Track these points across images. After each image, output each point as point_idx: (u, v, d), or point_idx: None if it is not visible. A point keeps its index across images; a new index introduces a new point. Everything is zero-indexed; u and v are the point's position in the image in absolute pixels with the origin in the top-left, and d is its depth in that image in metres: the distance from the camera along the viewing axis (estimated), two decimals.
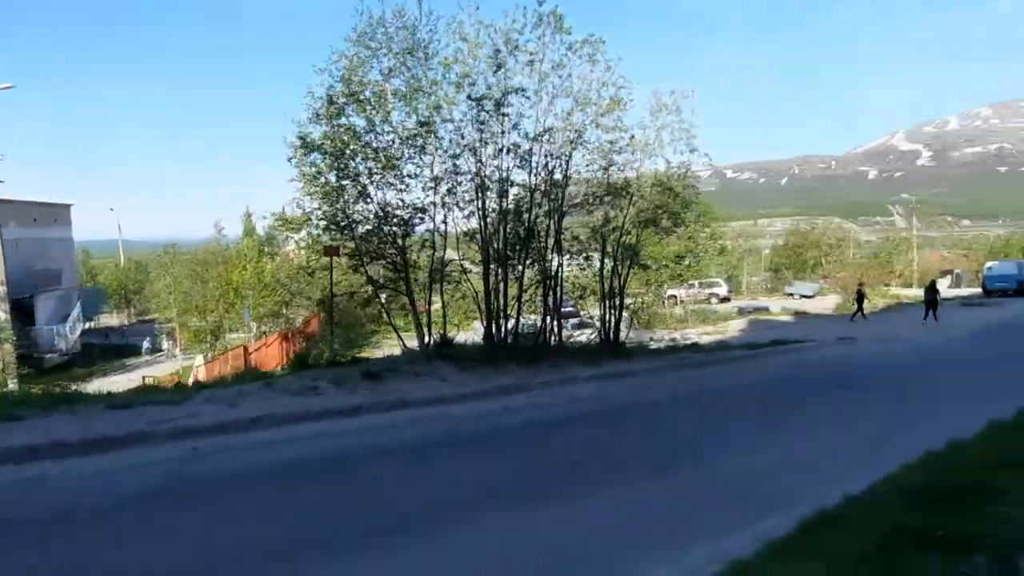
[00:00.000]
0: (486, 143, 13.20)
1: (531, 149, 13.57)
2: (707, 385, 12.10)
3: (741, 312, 35.41)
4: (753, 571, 3.86)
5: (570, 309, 39.89)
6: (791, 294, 46.59)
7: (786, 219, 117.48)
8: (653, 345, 17.75)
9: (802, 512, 4.76)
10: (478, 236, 13.84)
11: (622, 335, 16.37)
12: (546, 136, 13.52)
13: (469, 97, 12.86)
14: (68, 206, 43.49)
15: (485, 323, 13.53)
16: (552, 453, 7.46)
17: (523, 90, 13.05)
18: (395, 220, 13.34)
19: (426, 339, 13.39)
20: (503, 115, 12.92)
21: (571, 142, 13.92)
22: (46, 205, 40.58)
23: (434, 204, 13.52)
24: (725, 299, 45.46)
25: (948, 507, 4.59)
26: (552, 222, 14.46)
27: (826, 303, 38.99)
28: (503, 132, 13.15)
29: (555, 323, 14.97)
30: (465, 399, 9.87)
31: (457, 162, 13.32)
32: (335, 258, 13.34)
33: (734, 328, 27.53)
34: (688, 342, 19.21)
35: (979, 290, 40.20)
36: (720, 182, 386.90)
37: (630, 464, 6.89)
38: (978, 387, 11.62)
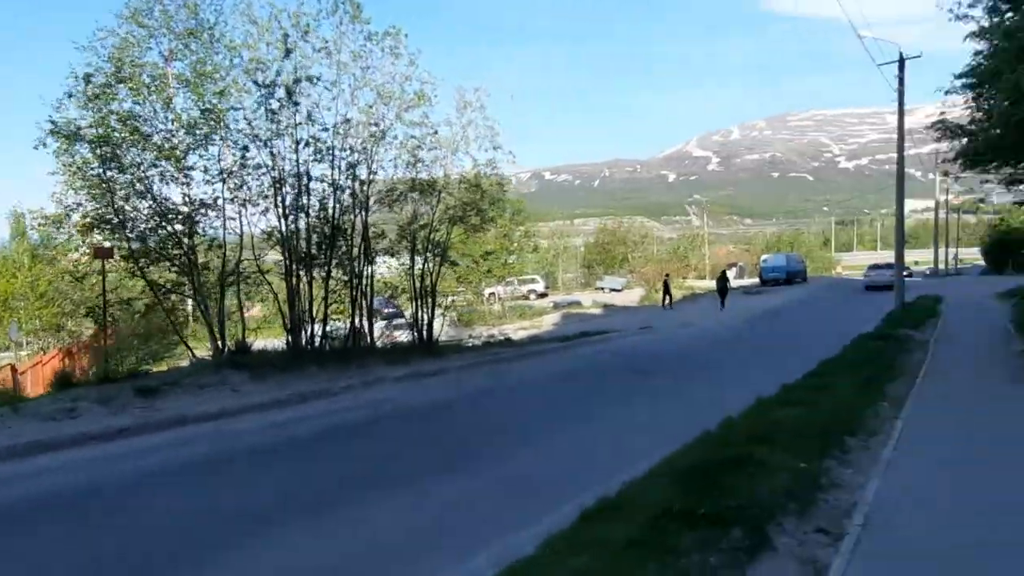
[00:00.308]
0: (281, 135, 12.41)
1: (332, 143, 12.99)
2: (514, 378, 12.31)
3: (556, 307, 36.92)
4: (528, 571, 3.82)
5: (393, 310, 39.12)
6: (602, 288, 49.46)
7: (599, 218, 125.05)
8: (469, 342, 17.83)
9: (588, 500, 4.86)
10: (277, 234, 12.97)
11: (437, 333, 16.29)
12: (347, 128, 13.02)
13: (256, 83, 12.01)
14: None
15: (289, 327, 12.72)
16: (351, 459, 7.06)
17: (317, 78, 12.43)
18: (177, 217, 12.09)
19: (221, 347, 12.31)
20: (295, 104, 12.21)
21: (374, 136, 13.54)
22: None
23: (223, 199, 12.46)
24: (543, 295, 47.20)
25: (714, 485, 4.90)
26: (359, 219, 13.99)
27: (633, 296, 41.89)
28: (298, 123, 12.44)
29: (367, 324, 14.47)
30: (262, 408, 9.15)
31: (248, 153, 12.36)
32: (109, 261, 11.82)
33: (549, 322, 28.58)
34: (503, 338, 19.54)
35: (757, 280, 45.48)
36: (539, 183, 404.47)
37: (433, 464, 6.68)
38: (754, 366, 12.98)
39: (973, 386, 9.80)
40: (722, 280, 29.76)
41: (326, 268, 13.44)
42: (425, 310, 15.37)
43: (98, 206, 11.71)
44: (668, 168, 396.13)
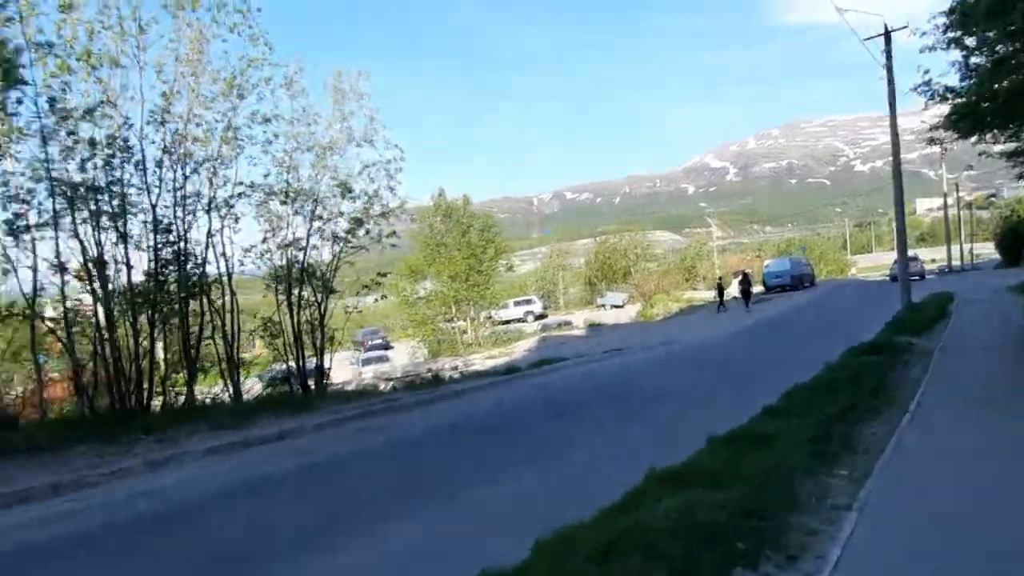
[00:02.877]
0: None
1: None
2: (379, 439, 9.14)
3: (545, 328, 33.88)
4: None
5: (380, 342, 35.62)
6: (603, 305, 46.28)
7: (622, 234, 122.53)
8: (357, 388, 14.78)
9: None
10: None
11: (331, 377, 13.43)
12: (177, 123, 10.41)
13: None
14: None
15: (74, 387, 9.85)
16: None
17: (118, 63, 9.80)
18: None
19: None
20: None
21: (224, 138, 10.90)
22: None
23: None
24: (542, 315, 44.22)
25: None
26: (213, 239, 11.32)
27: (632, 311, 38.62)
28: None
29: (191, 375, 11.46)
30: None
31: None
32: None
33: (522, 349, 25.48)
34: (432, 375, 16.51)
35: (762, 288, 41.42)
36: (561, 203, 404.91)
37: None
38: (706, 403, 9.74)
39: (981, 428, 6.42)
40: (744, 283, 30.44)
41: (160, 305, 10.65)
42: (309, 352, 12.45)
43: None
44: (687, 180, 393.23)
